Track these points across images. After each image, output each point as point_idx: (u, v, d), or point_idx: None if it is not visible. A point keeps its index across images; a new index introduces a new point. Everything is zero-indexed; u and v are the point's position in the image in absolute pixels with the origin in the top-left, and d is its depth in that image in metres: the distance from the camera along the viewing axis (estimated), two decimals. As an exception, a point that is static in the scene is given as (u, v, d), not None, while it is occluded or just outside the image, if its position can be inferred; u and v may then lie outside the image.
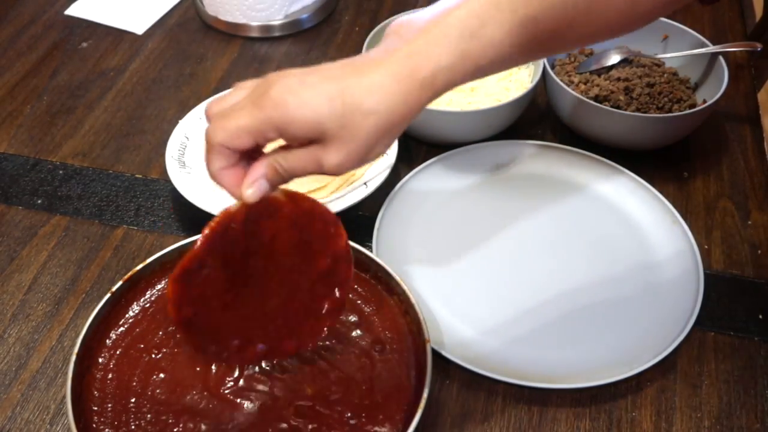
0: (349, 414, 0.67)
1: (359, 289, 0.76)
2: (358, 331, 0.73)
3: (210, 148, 0.55)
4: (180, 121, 0.95)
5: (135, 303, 0.75)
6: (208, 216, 0.83)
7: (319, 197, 0.87)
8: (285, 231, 0.60)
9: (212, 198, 0.86)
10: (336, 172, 0.55)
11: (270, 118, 0.53)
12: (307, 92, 0.52)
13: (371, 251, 0.79)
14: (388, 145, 0.56)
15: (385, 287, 0.75)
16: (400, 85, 0.53)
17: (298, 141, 0.55)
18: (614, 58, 1.01)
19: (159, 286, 0.76)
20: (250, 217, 0.58)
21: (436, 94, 0.56)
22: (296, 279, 0.62)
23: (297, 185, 0.88)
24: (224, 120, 0.54)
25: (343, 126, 0.53)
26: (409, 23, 0.56)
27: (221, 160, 0.55)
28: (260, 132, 0.53)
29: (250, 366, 0.70)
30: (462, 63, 0.55)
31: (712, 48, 0.98)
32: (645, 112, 0.95)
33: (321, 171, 0.55)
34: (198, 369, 0.70)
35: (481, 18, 0.54)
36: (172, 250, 0.76)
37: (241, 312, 0.62)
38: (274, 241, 0.60)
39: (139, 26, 1.19)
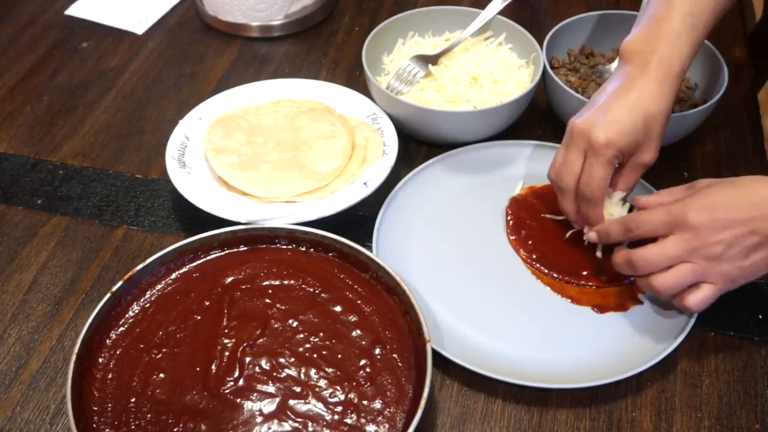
0: (348, 414, 0.67)
1: (359, 289, 0.76)
2: (358, 331, 0.73)
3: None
4: (180, 121, 0.95)
5: (135, 303, 0.75)
6: (208, 216, 0.83)
7: (319, 197, 0.87)
8: None
9: (212, 198, 0.86)
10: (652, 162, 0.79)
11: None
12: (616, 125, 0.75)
13: (371, 251, 0.79)
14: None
15: (385, 287, 0.75)
16: (662, 86, 0.76)
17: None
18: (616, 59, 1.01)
19: (159, 286, 0.76)
20: None
21: (682, 79, 0.78)
22: None
23: (297, 185, 0.89)
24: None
25: (647, 132, 0.76)
26: (632, 50, 0.78)
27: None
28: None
29: (250, 366, 0.71)
30: (693, 50, 0.78)
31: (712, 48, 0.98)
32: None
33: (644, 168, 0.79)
34: (198, 369, 0.70)
35: (692, 14, 0.77)
36: (172, 250, 0.77)
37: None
38: None
39: (139, 26, 1.19)
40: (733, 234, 0.69)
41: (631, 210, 0.81)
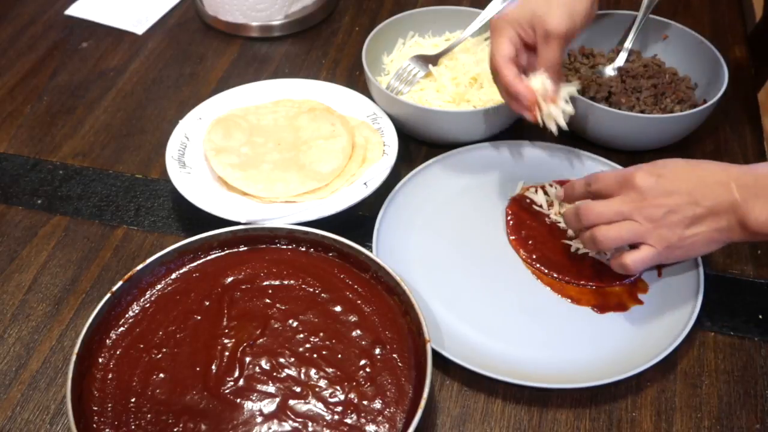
0: (349, 414, 0.67)
1: (359, 289, 0.76)
2: (358, 331, 0.73)
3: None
4: (180, 121, 0.95)
5: (135, 303, 0.75)
6: (208, 216, 0.83)
7: (319, 197, 0.87)
8: None
9: (212, 198, 0.86)
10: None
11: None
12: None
13: (371, 251, 0.79)
14: None
15: (385, 287, 0.75)
16: None
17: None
18: (618, 58, 1.01)
19: (159, 286, 0.76)
20: None
21: None
22: None
23: (297, 185, 0.89)
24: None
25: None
26: None
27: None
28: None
29: (250, 366, 0.71)
30: None
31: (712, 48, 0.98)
32: (646, 113, 0.95)
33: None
34: (198, 369, 0.70)
35: None
36: (172, 250, 0.77)
37: None
38: None
39: (139, 26, 1.19)
40: (675, 201, 0.72)
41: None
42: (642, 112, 0.95)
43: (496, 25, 0.85)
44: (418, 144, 0.98)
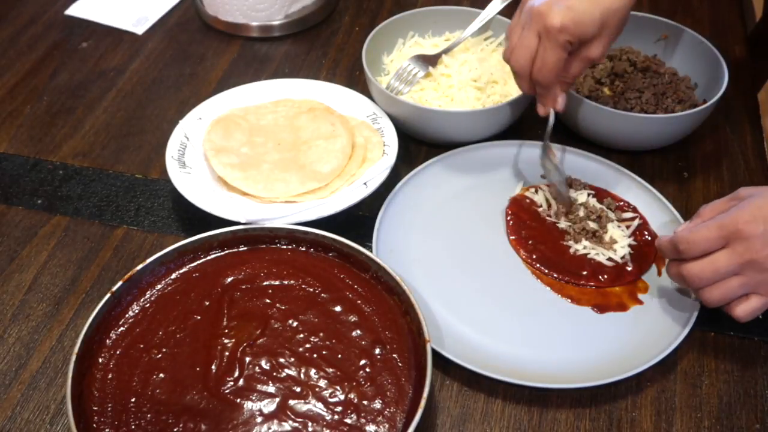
0: (349, 414, 0.67)
1: (359, 289, 0.76)
2: (358, 331, 0.73)
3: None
4: (180, 121, 0.95)
5: (135, 303, 0.75)
6: (208, 216, 0.83)
7: (319, 197, 0.87)
8: None
9: (212, 198, 0.86)
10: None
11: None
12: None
13: (371, 251, 0.79)
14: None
15: (385, 287, 0.75)
16: None
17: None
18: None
19: (159, 286, 0.76)
20: None
21: None
22: None
23: (297, 185, 0.89)
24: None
25: (602, 26, 0.78)
26: None
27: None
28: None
29: (250, 366, 0.71)
30: None
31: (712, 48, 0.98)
32: (646, 112, 0.95)
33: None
34: (198, 369, 0.70)
35: None
36: (172, 250, 0.77)
37: None
38: None
39: (139, 26, 1.19)
40: None
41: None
42: (642, 112, 0.95)
43: (558, 36, 0.78)
44: (418, 144, 0.98)
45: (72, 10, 1.22)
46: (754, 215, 0.68)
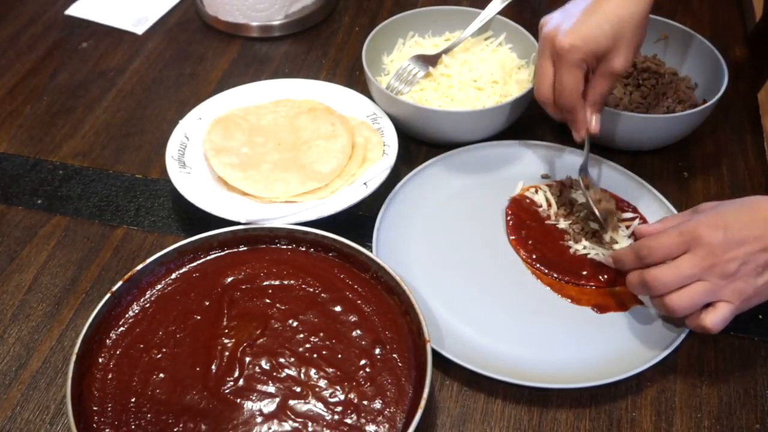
0: (349, 414, 0.67)
1: (359, 289, 0.76)
2: (358, 331, 0.73)
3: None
4: (180, 121, 0.95)
5: (135, 303, 0.75)
6: (208, 216, 0.83)
7: (319, 197, 0.87)
8: None
9: (212, 198, 0.86)
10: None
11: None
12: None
13: (371, 251, 0.79)
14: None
15: (385, 287, 0.75)
16: None
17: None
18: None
19: (159, 286, 0.76)
20: None
21: None
22: None
23: (297, 185, 0.89)
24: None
25: (616, 37, 0.76)
26: None
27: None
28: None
29: (250, 366, 0.71)
30: None
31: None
32: (646, 113, 0.95)
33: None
34: (198, 369, 0.70)
35: None
36: (172, 250, 0.77)
37: None
38: None
39: (139, 26, 1.19)
40: (746, 251, 0.68)
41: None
42: (642, 112, 0.95)
43: (569, 56, 0.78)
44: (418, 144, 0.98)
45: (72, 10, 1.22)
46: (715, 222, 0.70)
